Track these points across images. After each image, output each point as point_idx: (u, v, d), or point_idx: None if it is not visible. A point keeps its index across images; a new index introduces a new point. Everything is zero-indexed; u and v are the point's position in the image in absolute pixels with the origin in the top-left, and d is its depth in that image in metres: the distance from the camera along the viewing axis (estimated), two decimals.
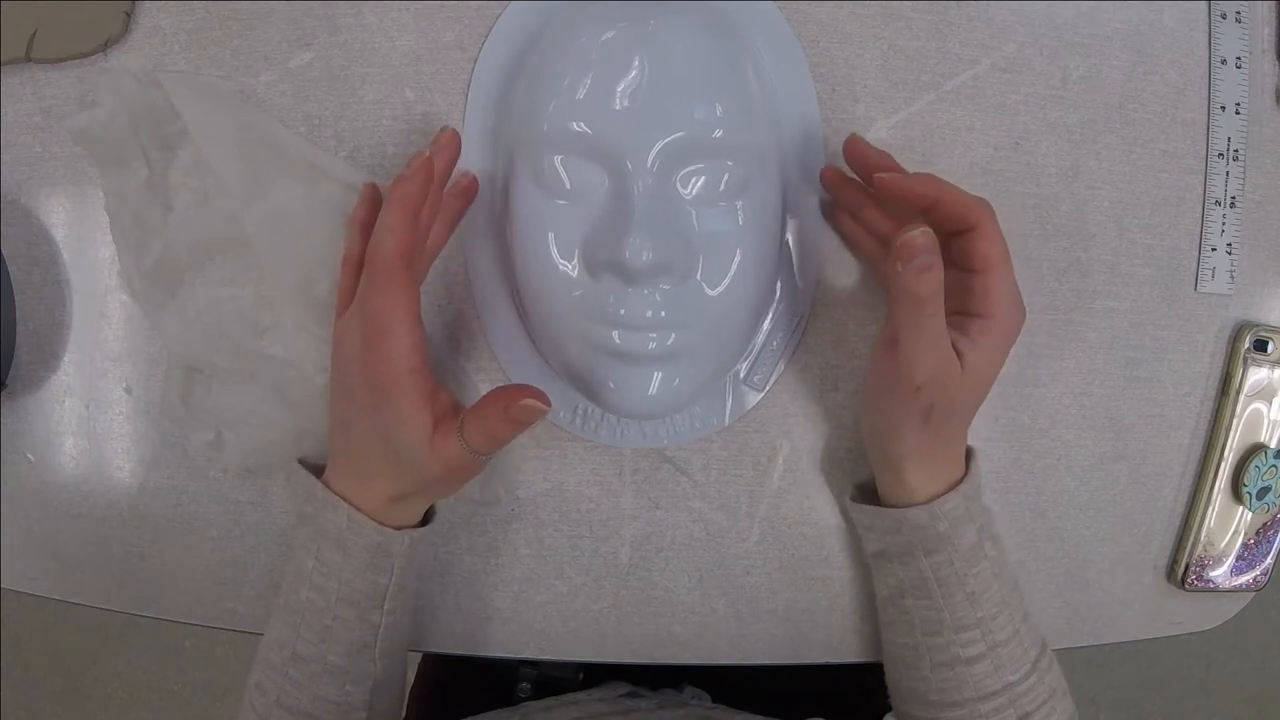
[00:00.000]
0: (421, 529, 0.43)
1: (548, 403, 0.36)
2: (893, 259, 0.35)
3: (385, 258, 0.36)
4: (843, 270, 0.47)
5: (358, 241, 0.42)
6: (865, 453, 0.48)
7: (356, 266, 0.41)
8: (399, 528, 0.41)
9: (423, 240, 0.41)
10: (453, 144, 0.40)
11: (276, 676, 0.41)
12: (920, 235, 0.34)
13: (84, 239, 0.47)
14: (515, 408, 0.36)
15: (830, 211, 0.46)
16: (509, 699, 0.58)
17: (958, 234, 0.39)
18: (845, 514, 0.48)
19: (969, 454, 0.43)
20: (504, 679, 0.60)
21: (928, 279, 0.35)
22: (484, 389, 0.47)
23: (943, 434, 0.41)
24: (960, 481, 0.42)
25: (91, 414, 0.48)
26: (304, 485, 0.42)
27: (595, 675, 0.58)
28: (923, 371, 0.37)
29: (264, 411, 0.46)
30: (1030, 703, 0.41)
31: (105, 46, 0.45)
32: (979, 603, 0.41)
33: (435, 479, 0.39)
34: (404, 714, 0.64)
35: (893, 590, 0.44)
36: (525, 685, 0.60)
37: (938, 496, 0.41)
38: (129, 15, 0.45)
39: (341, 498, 0.40)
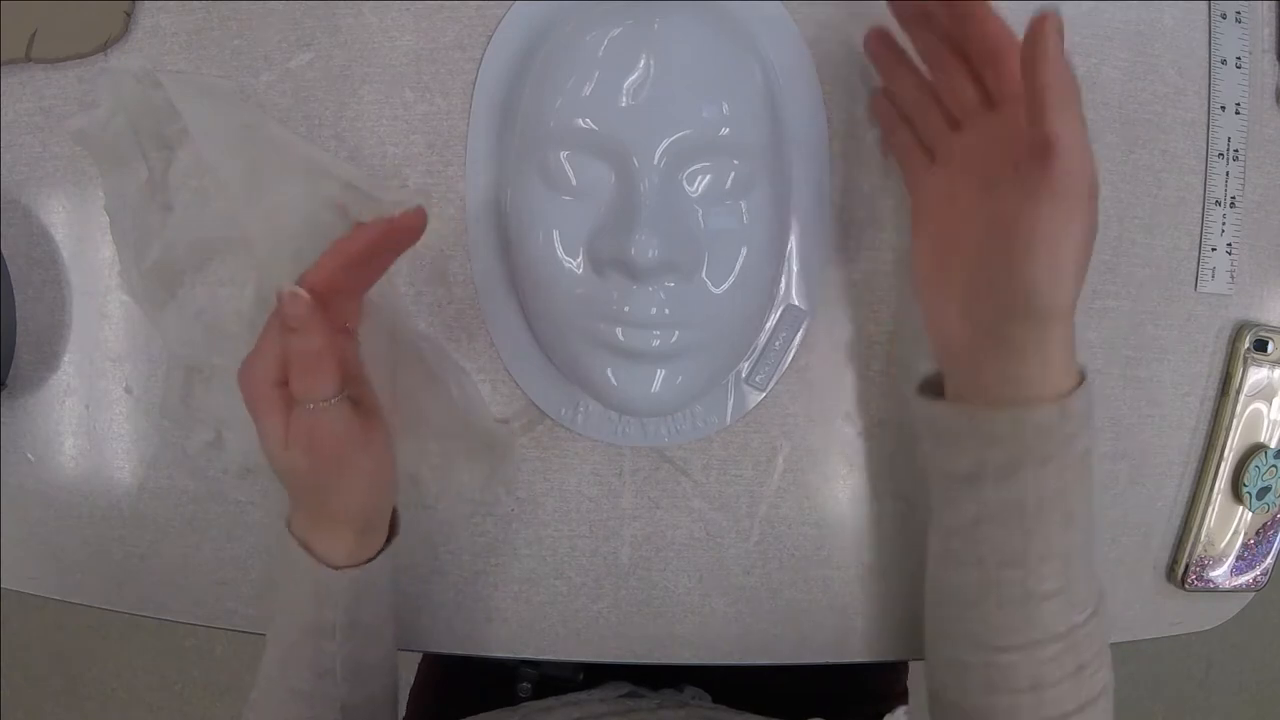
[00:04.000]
0: (367, 565, 0.40)
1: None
2: (1023, 53, 0.31)
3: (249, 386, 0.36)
4: (846, 270, 0.47)
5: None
6: (873, 447, 0.47)
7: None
8: (342, 566, 0.40)
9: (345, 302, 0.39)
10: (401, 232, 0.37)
11: (258, 696, 0.42)
12: (1050, 15, 0.30)
13: (84, 239, 0.47)
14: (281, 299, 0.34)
15: (873, 102, 0.44)
16: (509, 699, 0.58)
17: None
18: (864, 501, 0.48)
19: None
20: (504, 679, 0.60)
21: (1066, 75, 0.31)
22: (487, 389, 0.47)
23: (1059, 326, 0.35)
24: (1082, 380, 0.36)
25: (91, 414, 0.48)
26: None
27: (596, 675, 0.58)
28: (1084, 168, 0.32)
29: None
30: (1087, 651, 0.38)
31: (105, 46, 0.45)
32: (1071, 524, 0.36)
33: (314, 487, 0.38)
34: (404, 714, 0.64)
35: (968, 521, 0.38)
36: (525, 685, 0.60)
37: (1065, 395, 0.35)
38: (129, 15, 0.45)
39: (300, 541, 0.40)
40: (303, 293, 0.34)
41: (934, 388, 0.41)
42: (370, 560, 0.41)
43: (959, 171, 0.40)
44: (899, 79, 0.42)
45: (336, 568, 0.39)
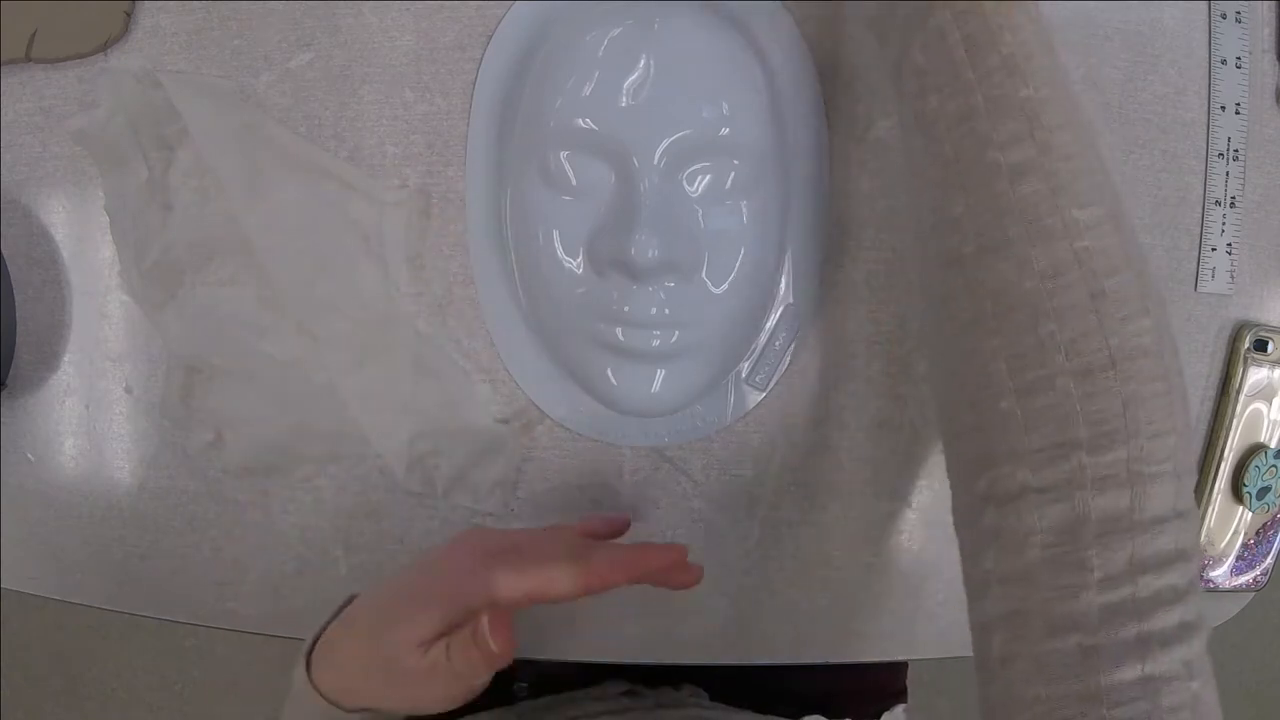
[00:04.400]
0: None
1: (506, 646, 0.35)
2: None
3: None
4: (846, 271, 0.47)
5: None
6: (877, 439, 0.48)
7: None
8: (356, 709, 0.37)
9: None
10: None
11: None
12: None
13: (84, 239, 0.47)
14: (479, 631, 0.34)
15: None
16: (507, 699, 0.58)
17: None
18: (864, 501, 0.48)
19: None
20: (502, 678, 0.60)
21: None
22: (485, 389, 0.47)
23: None
24: None
25: (91, 414, 0.48)
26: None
27: (593, 674, 0.58)
28: None
29: (264, 411, 0.46)
30: (1106, 267, 0.29)
31: (105, 46, 0.45)
32: (1018, 74, 0.29)
33: (398, 701, 0.37)
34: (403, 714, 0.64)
35: (912, 97, 0.32)
36: (522, 685, 0.60)
37: None
38: (129, 15, 0.45)
39: (308, 663, 0.38)
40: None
41: None
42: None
43: None
44: None
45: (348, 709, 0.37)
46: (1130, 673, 0.26)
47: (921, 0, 0.31)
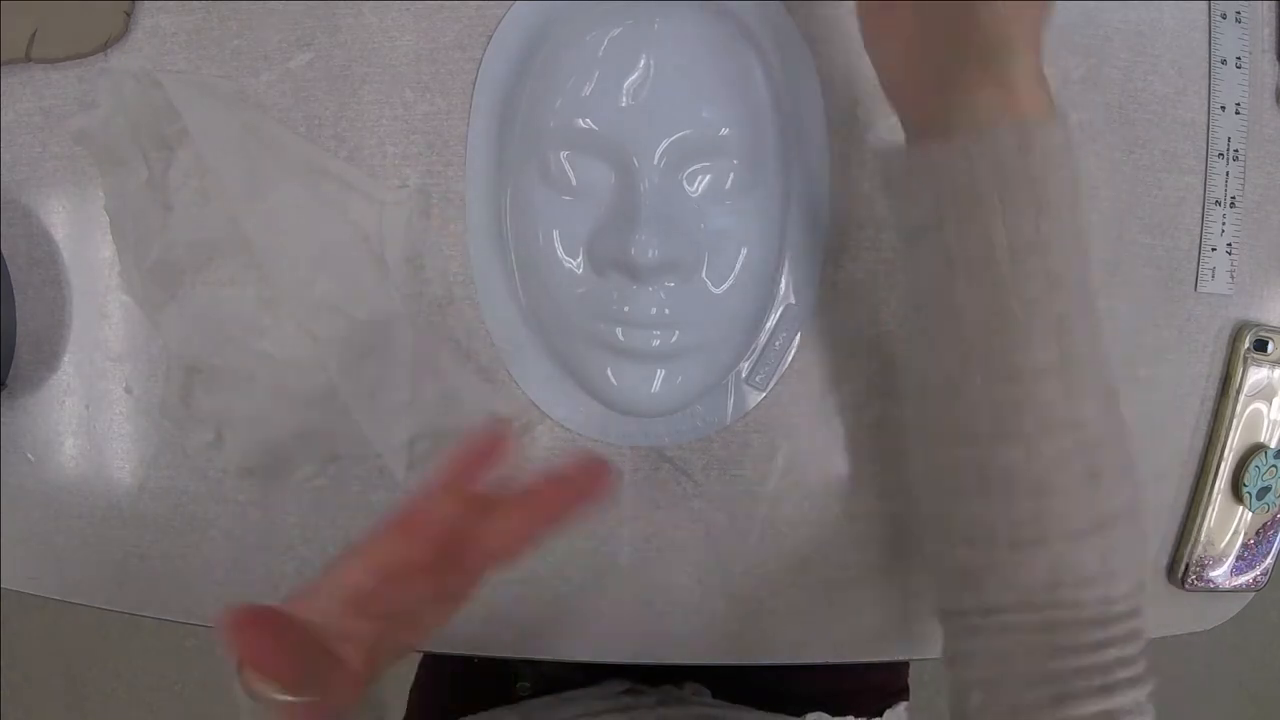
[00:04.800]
0: None
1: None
2: None
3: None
4: (846, 271, 0.47)
5: None
6: (873, 435, 0.48)
7: None
8: None
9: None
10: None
11: None
12: None
13: (84, 239, 0.47)
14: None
15: None
16: (508, 698, 0.58)
17: None
18: (865, 500, 0.48)
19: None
20: (504, 678, 0.61)
21: None
22: (485, 389, 0.47)
23: (1023, 59, 0.32)
24: (1061, 113, 0.32)
25: (91, 414, 0.48)
26: None
27: (595, 673, 0.58)
28: None
29: (264, 411, 0.46)
30: (1102, 456, 0.33)
31: (105, 46, 0.45)
32: (1059, 288, 0.31)
33: None
34: (404, 714, 0.64)
35: (938, 280, 0.34)
36: (525, 684, 0.60)
37: (1025, 121, 0.31)
38: (129, 15, 0.45)
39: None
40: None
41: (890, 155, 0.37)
42: None
43: None
44: None
45: None
46: (1093, 707, 0.32)
47: (967, 188, 0.32)
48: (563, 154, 0.40)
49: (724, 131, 0.39)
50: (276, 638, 0.30)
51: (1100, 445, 0.33)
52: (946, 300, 0.34)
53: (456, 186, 0.46)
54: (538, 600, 0.49)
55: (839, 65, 0.46)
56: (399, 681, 0.62)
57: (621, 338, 0.39)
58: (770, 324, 0.46)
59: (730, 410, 0.47)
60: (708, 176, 0.40)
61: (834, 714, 0.53)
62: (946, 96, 0.32)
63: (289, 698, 0.32)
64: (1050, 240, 0.31)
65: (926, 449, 0.38)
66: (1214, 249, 0.49)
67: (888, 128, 0.46)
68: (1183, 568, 0.50)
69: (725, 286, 0.40)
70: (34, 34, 0.44)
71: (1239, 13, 0.48)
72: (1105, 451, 0.33)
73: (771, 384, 0.47)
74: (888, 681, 0.64)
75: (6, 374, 0.47)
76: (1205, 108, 0.48)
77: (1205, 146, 0.48)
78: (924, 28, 0.33)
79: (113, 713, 1.37)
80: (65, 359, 0.48)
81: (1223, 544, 0.50)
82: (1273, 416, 0.49)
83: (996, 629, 0.35)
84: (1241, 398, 0.49)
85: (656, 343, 0.39)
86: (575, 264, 0.40)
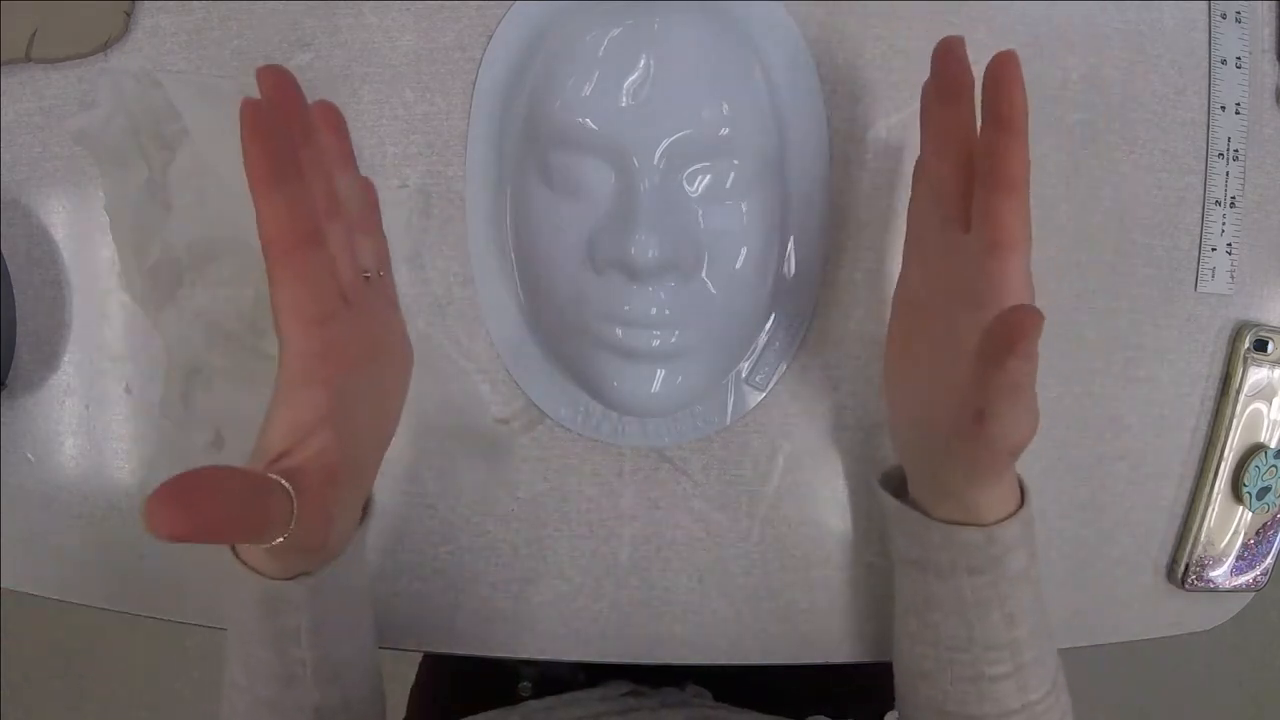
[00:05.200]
0: (326, 570, 0.36)
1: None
2: (996, 339, 0.30)
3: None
4: (846, 271, 0.47)
5: None
6: (868, 450, 0.48)
7: None
8: (295, 576, 0.36)
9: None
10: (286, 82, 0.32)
11: (225, 704, 0.40)
12: (1034, 314, 0.28)
13: (84, 239, 0.47)
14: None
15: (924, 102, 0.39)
16: (509, 698, 0.58)
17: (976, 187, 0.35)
18: (865, 501, 0.48)
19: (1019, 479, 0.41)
20: (504, 679, 0.60)
21: (1032, 366, 0.31)
22: (486, 389, 0.47)
23: (1006, 469, 0.38)
24: (1019, 507, 0.39)
25: (91, 414, 0.48)
26: None
27: (596, 674, 0.58)
28: (1017, 441, 0.34)
29: (264, 411, 0.46)
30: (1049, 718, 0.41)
31: (105, 46, 0.45)
32: (1015, 623, 0.39)
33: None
34: (404, 714, 0.64)
35: (920, 602, 0.42)
36: (526, 685, 0.60)
37: (998, 522, 0.38)
38: (129, 15, 0.45)
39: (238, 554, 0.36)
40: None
41: (895, 476, 0.44)
42: (331, 561, 0.37)
43: (944, 274, 0.38)
44: (940, 150, 0.39)
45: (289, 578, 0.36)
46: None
47: (958, 556, 0.39)
48: (563, 154, 0.40)
49: (724, 131, 0.39)
50: (197, 490, 0.27)
51: (1049, 712, 0.41)
52: (924, 618, 0.41)
53: (456, 186, 0.46)
54: (538, 600, 0.49)
55: (839, 65, 0.46)
56: (400, 682, 0.62)
57: (621, 338, 0.39)
58: (770, 324, 0.46)
59: (730, 410, 0.47)
60: (708, 176, 0.40)
61: (835, 717, 0.53)
62: (938, 478, 0.39)
63: (261, 543, 0.31)
64: (1008, 595, 0.39)
65: (905, 707, 0.45)
66: (1214, 249, 0.49)
67: (888, 127, 0.46)
68: (1183, 568, 0.50)
69: (725, 286, 0.40)
70: (34, 34, 0.44)
71: (1239, 13, 0.48)
72: (1050, 716, 0.41)
73: (771, 384, 0.47)
74: (889, 684, 0.64)
75: (6, 374, 0.47)
76: (1205, 108, 0.48)
77: (1205, 146, 0.48)
78: (931, 398, 0.38)
79: (113, 713, 1.37)
80: (65, 359, 0.48)
81: (1223, 544, 0.50)
82: (1273, 416, 0.49)
83: None
84: (1241, 398, 0.49)
85: (656, 343, 0.39)
86: (575, 264, 0.40)
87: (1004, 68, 0.32)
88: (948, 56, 0.35)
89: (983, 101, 0.33)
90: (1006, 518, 0.38)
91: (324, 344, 0.33)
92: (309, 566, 0.36)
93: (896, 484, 0.43)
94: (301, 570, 0.36)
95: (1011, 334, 0.29)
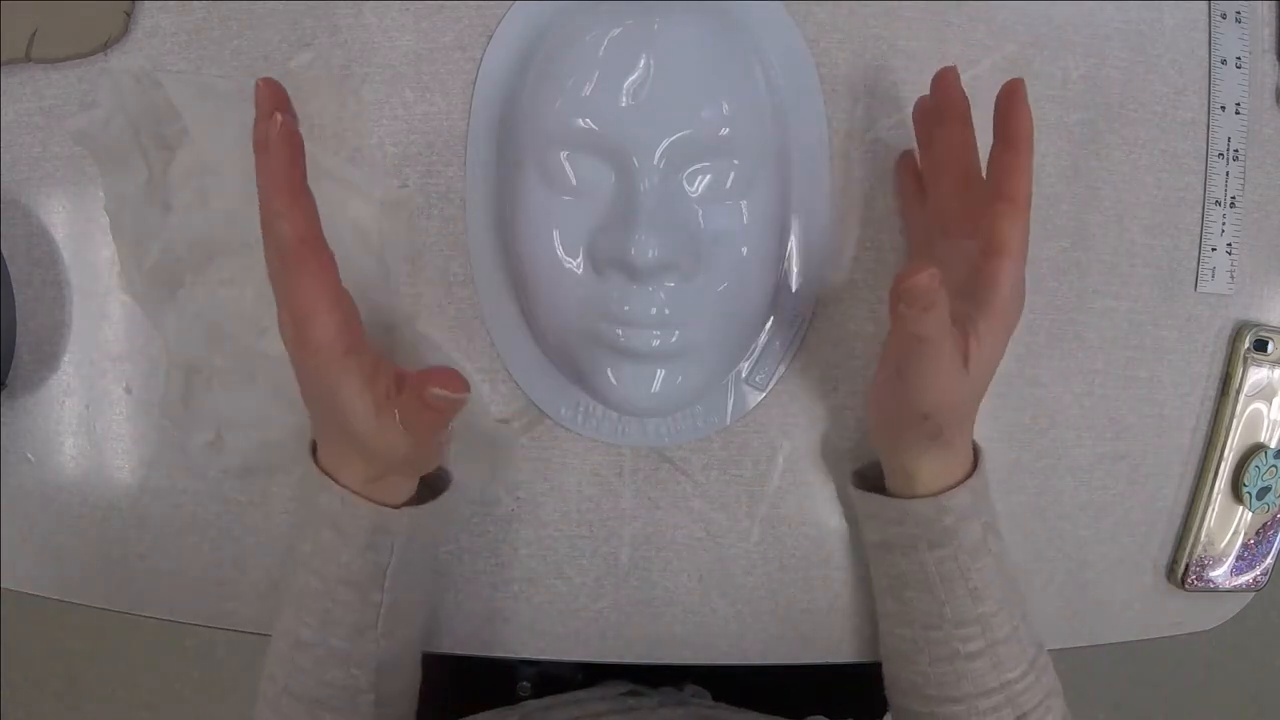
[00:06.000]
0: (426, 505, 0.41)
1: (461, 387, 0.35)
2: (894, 299, 0.33)
3: (284, 243, 0.34)
4: (846, 271, 0.47)
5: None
6: (866, 452, 0.48)
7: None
8: (399, 505, 0.40)
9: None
10: (282, 96, 0.35)
11: (284, 664, 0.41)
12: (925, 277, 0.32)
13: (84, 239, 0.47)
14: (429, 394, 0.35)
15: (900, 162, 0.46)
16: (509, 698, 0.58)
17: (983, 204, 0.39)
18: (845, 502, 0.48)
19: (976, 450, 0.43)
20: (504, 678, 0.61)
21: (931, 319, 0.34)
22: (486, 389, 0.47)
23: (952, 440, 0.41)
24: (968, 476, 0.41)
25: (91, 414, 0.48)
26: (303, 466, 0.41)
27: (596, 673, 0.58)
28: (930, 401, 0.38)
29: (264, 411, 0.46)
30: (1027, 702, 0.41)
31: (105, 46, 0.45)
32: (981, 598, 0.41)
33: (397, 460, 0.39)
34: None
35: (892, 581, 0.44)
36: (525, 684, 0.60)
37: (945, 490, 0.41)
38: (129, 15, 0.45)
39: (332, 478, 0.39)
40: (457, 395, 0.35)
41: (870, 474, 0.46)
42: (431, 497, 0.42)
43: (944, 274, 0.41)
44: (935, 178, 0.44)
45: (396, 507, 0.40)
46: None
47: (915, 530, 0.41)
48: (562, 154, 0.40)
49: (724, 131, 0.39)
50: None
51: (1028, 691, 0.41)
52: (898, 597, 0.43)
53: (456, 186, 0.46)
54: (538, 600, 0.49)
55: (839, 65, 0.46)
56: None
57: (621, 338, 0.39)
58: (770, 324, 0.46)
59: (730, 410, 0.47)
60: (708, 176, 0.40)
61: (835, 717, 0.53)
62: (897, 460, 0.42)
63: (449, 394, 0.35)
64: (969, 567, 0.41)
65: (892, 694, 0.46)
66: (1214, 249, 0.49)
67: (887, 127, 0.46)
68: (1183, 568, 0.50)
69: (725, 286, 0.40)
70: (34, 34, 0.44)
71: (1239, 13, 0.48)
72: (1030, 697, 0.42)
73: (771, 384, 0.47)
74: None
75: (6, 374, 0.47)
76: (1205, 108, 0.48)
77: (1205, 146, 0.48)
78: (896, 417, 0.41)
79: (113, 713, 1.37)
80: (65, 359, 0.48)
81: (1223, 544, 0.50)
82: (1273, 416, 0.49)
83: None
84: (1241, 398, 0.49)
85: (656, 343, 0.39)
86: (575, 264, 0.40)
87: (1013, 94, 0.37)
88: (947, 83, 0.41)
89: (995, 123, 0.38)
90: (953, 485, 0.41)
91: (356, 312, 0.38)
92: (399, 500, 0.41)
93: (871, 481, 0.45)
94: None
95: (900, 284, 0.32)
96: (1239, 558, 0.51)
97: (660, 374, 0.40)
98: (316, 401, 0.39)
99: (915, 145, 0.46)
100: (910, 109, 0.46)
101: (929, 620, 0.42)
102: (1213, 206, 0.48)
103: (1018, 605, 0.43)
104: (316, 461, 0.41)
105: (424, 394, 0.35)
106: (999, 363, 0.39)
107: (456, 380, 0.35)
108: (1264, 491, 0.50)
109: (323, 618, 0.40)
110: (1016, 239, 0.37)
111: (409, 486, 0.42)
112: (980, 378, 0.39)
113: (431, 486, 0.43)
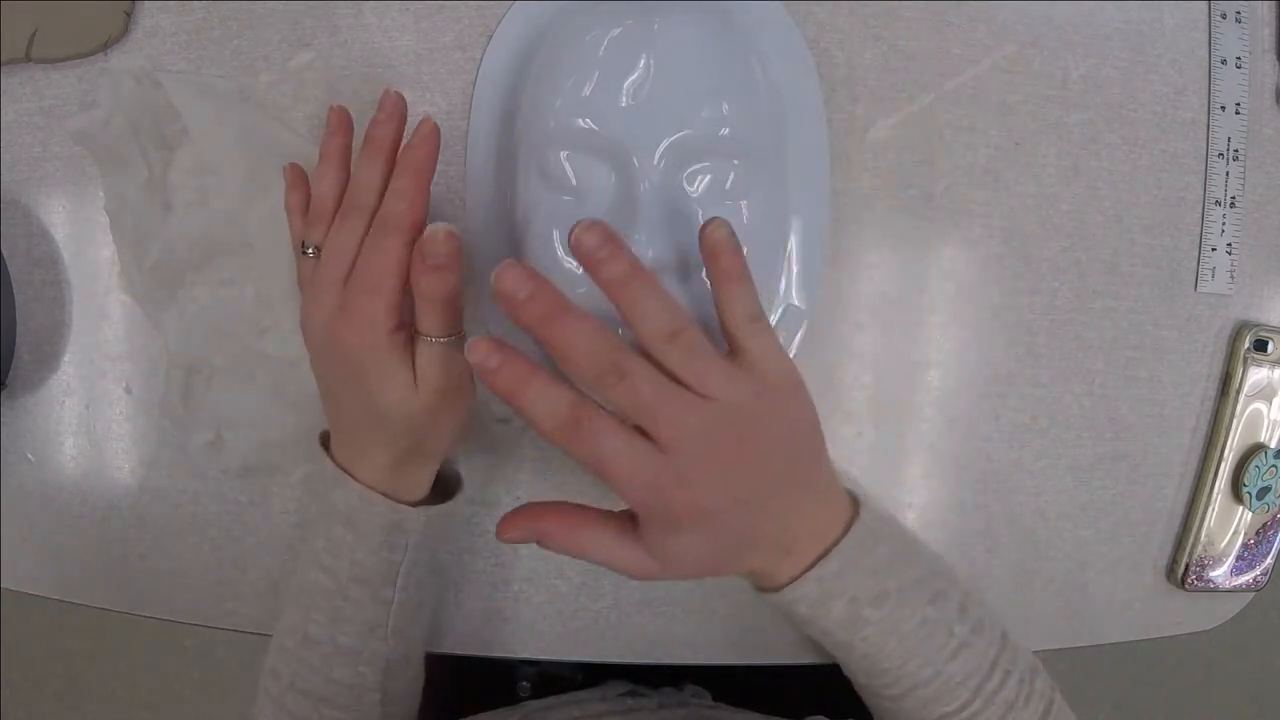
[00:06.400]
0: (442, 505, 0.42)
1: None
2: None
3: (393, 218, 0.36)
4: (845, 271, 0.47)
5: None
6: (862, 452, 0.48)
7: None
8: (415, 503, 0.40)
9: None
10: (400, 108, 0.40)
11: (290, 660, 0.41)
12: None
13: (84, 239, 0.47)
14: (424, 252, 0.35)
15: None
16: (509, 698, 0.58)
17: None
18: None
19: (854, 502, 0.39)
20: (504, 678, 0.61)
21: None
22: (485, 389, 0.47)
23: (781, 545, 0.37)
24: (812, 565, 0.37)
25: (91, 414, 0.48)
26: (316, 461, 0.41)
27: (596, 674, 0.58)
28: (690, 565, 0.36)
29: (264, 411, 0.46)
30: None
31: (105, 46, 0.45)
32: (876, 659, 0.38)
33: (425, 434, 0.39)
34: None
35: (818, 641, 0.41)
36: (525, 684, 0.60)
37: (790, 582, 0.37)
38: (129, 15, 0.45)
39: (347, 473, 0.39)
40: (455, 228, 0.35)
41: None
42: (443, 499, 0.42)
43: None
44: None
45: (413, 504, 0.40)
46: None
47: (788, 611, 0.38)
48: (563, 154, 0.40)
49: (724, 131, 0.39)
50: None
51: (977, 716, 0.38)
52: (843, 655, 0.40)
53: (456, 186, 0.46)
54: (538, 600, 0.49)
55: (839, 65, 0.46)
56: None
57: (622, 338, 0.39)
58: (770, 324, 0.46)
59: None
60: (708, 177, 0.40)
61: (834, 717, 0.53)
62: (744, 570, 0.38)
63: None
64: (850, 640, 0.38)
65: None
66: (1214, 249, 0.49)
67: (888, 127, 0.46)
68: (1183, 568, 0.50)
69: None
70: (34, 34, 0.44)
71: (1239, 13, 0.48)
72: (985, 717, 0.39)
73: None
74: None
75: (6, 374, 0.47)
76: (1205, 108, 0.48)
77: (1205, 146, 0.48)
78: (720, 545, 0.36)
79: (113, 713, 1.37)
80: (65, 359, 0.48)
81: (1223, 544, 0.50)
82: (1273, 416, 0.49)
83: None
84: (1241, 398, 0.49)
85: None
86: (575, 264, 0.40)
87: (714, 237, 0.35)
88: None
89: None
90: (788, 583, 0.37)
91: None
92: (416, 495, 0.41)
93: None
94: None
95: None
96: (1239, 558, 0.51)
97: None
98: (345, 383, 0.38)
99: (915, 145, 0.46)
100: (910, 109, 0.46)
101: (851, 673, 0.40)
102: (1213, 206, 0.48)
103: (937, 647, 0.38)
104: (330, 456, 0.40)
105: (420, 258, 0.35)
106: (810, 431, 0.38)
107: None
108: (1264, 491, 0.50)
109: (332, 615, 0.40)
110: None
111: (428, 475, 0.42)
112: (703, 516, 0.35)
113: (444, 488, 0.43)
